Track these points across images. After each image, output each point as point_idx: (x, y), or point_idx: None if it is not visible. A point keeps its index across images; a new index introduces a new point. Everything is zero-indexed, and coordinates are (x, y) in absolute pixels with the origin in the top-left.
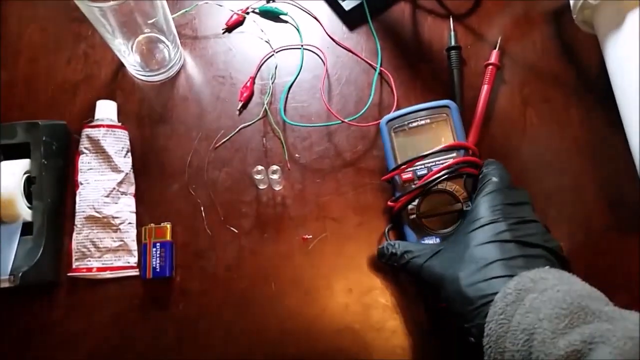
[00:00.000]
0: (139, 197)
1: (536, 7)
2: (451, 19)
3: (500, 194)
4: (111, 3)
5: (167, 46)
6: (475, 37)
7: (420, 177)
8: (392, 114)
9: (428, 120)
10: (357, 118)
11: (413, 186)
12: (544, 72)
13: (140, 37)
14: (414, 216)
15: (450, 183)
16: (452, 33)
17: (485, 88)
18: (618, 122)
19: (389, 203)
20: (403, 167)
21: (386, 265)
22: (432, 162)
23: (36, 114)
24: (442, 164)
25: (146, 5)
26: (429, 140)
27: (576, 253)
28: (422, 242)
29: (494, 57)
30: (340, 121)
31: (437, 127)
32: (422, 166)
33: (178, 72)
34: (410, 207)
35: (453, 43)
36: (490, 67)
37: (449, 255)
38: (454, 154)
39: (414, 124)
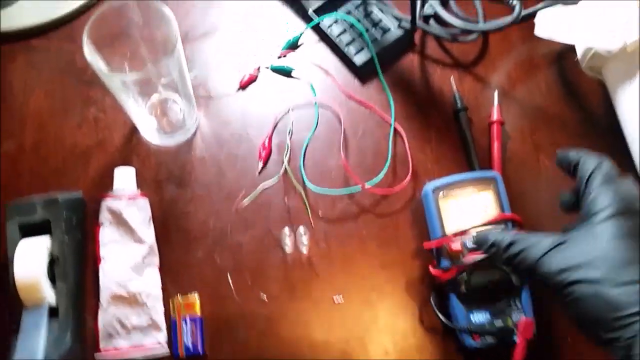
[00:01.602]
0: (163, 266)
1: (539, 51)
2: (452, 80)
3: (616, 183)
4: (135, 74)
5: (181, 107)
6: (484, 85)
7: (469, 249)
8: (439, 182)
9: (475, 190)
10: (376, 183)
11: (462, 258)
12: (551, 116)
13: (155, 99)
14: (462, 287)
15: None
16: (457, 95)
17: (495, 145)
18: (624, 163)
19: (433, 271)
20: (451, 236)
21: (488, 253)
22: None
23: (48, 182)
24: None
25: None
26: (477, 211)
27: None
28: (472, 313)
29: (495, 114)
30: (360, 187)
31: (484, 198)
32: (471, 237)
33: (194, 134)
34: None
35: (459, 105)
36: (495, 124)
37: (574, 249)
38: (502, 226)
39: (461, 193)
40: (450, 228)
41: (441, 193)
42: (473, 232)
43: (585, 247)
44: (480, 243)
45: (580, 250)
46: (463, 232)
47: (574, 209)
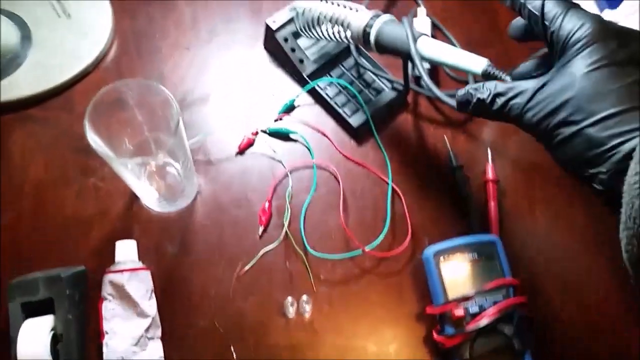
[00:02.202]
0: (165, 338)
1: None
2: (446, 139)
3: (597, 18)
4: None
5: (181, 173)
6: (477, 142)
7: (472, 315)
8: (439, 246)
9: (476, 255)
10: (377, 244)
11: (465, 325)
12: (546, 170)
13: (153, 166)
14: (466, 354)
15: (502, 323)
16: (451, 153)
17: (492, 205)
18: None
19: (436, 337)
20: (454, 303)
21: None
22: (483, 299)
23: (49, 253)
24: (493, 301)
25: (167, 144)
26: (479, 275)
27: (589, 334)
28: None
29: (490, 173)
30: (361, 250)
31: (485, 262)
32: (474, 303)
33: (195, 199)
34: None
35: (454, 164)
36: (490, 183)
37: (553, 91)
38: (503, 291)
39: (462, 258)
40: (452, 293)
41: (442, 257)
42: (473, 294)
43: (563, 87)
44: (463, 104)
45: (559, 91)
46: (466, 299)
47: (525, 38)
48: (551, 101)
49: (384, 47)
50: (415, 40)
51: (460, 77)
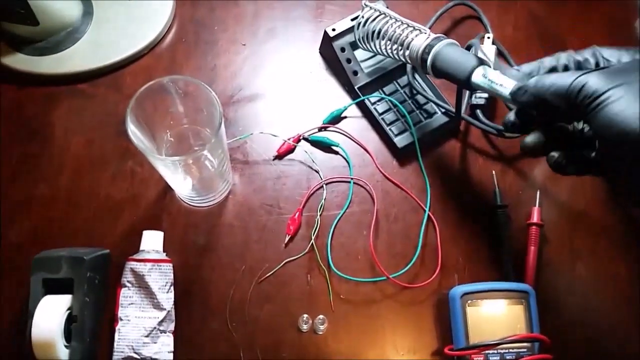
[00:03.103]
0: (178, 333)
1: None
2: (494, 175)
3: None
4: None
5: (216, 168)
6: (526, 182)
7: None
8: (469, 287)
9: (505, 302)
10: (402, 274)
11: None
12: (593, 222)
13: (190, 159)
14: None
15: None
16: (497, 191)
17: (531, 250)
18: None
19: None
20: (475, 351)
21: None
22: (506, 349)
23: (77, 231)
24: (516, 352)
25: (204, 132)
26: (504, 324)
27: None
28: None
29: (535, 217)
30: (385, 277)
31: (514, 311)
32: (496, 352)
33: (226, 198)
34: None
35: (498, 202)
36: (533, 227)
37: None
38: (529, 345)
39: (491, 304)
40: (475, 338)
41: (470, 300)
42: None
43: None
44: (540, 98)
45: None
46: (487, 347)
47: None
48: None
49: (440, 71)
50: (474, 69)
51: None
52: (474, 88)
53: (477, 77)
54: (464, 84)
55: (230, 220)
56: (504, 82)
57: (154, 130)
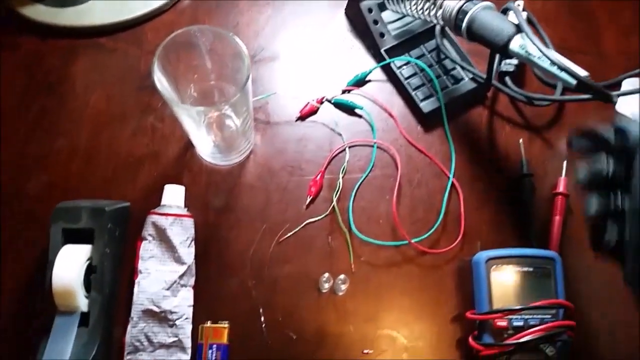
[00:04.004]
0: (197, 289)
1: None
2: (521, 143)
3: None
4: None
5: (239, 127)
6: (553, 152)
7: (515, 328)
8: (494, 253)
9: (531, 269)
10: (424, 239)
11: (506, 337)
12: None
13: (214, 116)
14: None
15: (544, 343)
16: (524, 159)
17: (556, 219)
18: None
19: (472, 343)
20: (499, 315)
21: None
22: (530, 315)
23: (96, 187)
24: (540, 318)
25: (229, 87)
26: (530, 290)
27: None
28: None
29: (561, 186)
30: (407, 242)
31: (539, 278)
32: (519, 317)
33: (248, 157)
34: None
35: (525, 171)
36: (559, 197)
37: None
38: (553, 311)
39: (516, 270)
40: (498, 303)
41: (494, 265)
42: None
43: None
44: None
45: None
46: (512, 311)
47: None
48: None
49: (475, 35)
50: (512, 36)
51: (549, 79)
52: (509, 55)
53: (515, 45)
54: (501, 50)
55: (251, 181)
56: (545, 54)
57: (178, 82)
